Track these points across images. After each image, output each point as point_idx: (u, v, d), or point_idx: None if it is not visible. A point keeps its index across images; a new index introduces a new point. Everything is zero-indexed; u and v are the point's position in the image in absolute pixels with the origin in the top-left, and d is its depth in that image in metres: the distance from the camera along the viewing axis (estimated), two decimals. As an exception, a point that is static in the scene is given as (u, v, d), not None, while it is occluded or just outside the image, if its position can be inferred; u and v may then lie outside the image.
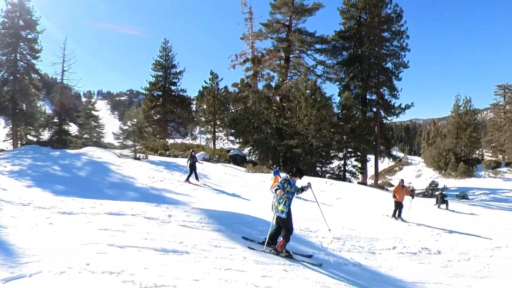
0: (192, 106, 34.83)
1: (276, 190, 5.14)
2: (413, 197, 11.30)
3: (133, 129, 21.05)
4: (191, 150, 17.00)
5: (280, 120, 23.18)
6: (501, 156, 40.85)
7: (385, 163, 38.19)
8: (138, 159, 18.42)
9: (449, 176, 33.48)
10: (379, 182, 26.47)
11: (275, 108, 24.28)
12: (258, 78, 24.53)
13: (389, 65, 26.95)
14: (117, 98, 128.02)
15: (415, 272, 5.99)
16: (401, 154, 48.96)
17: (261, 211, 10.01)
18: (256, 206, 11.18)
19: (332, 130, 21.79)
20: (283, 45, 27.70)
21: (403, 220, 10.55)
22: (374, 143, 25.08)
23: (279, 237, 5.43)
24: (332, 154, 23.18)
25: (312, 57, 28.30)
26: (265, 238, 5.57)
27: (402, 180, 11.55)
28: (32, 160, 15.93)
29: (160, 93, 43.32)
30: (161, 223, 6.13)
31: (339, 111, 23.15)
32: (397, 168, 41.82)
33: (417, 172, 38.45)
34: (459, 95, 38.62)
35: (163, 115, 42.36)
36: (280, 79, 27.14)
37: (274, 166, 16.66)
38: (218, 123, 25.75)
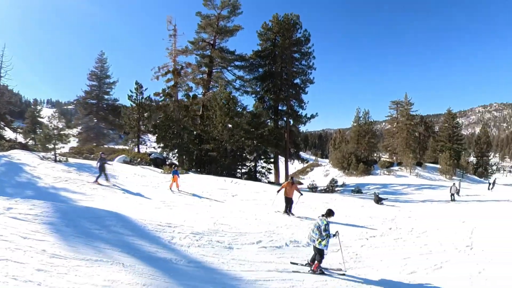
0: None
1: (333, 235, 5.87)
2: (301, 194, 11.08)
3: (53, 133, 20.53)
4: (100, 152, 17.20)
5: (200, 127, 24.48)
6: (394, 158, 47.32)
7: (300, 165, 41.83)
8: (59, 161, 18.05)
9: (351, 174, 37.75)
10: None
11: (193, 116, 25.47)
12: (178, 89, 25.51)
13: (298, 81, 30.00)
14: (65, 107, 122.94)
15: (260, 271, 5.61)
16: (313, 157, 53.81)
17: (146, 209, 9.84)
18: (150, 203, 11.18)
19: (248, 135, 23.52)
20: (205, 60, 29.27)
21: (293, 215, 10.42)
22: (285, 147, 27.66)
23: (315, 261, 5.98)
24: (247, 157, 24.85)
25: (232, 72, 30.34)
26: (307, 261, 6.25)
27: (292, 178, 11.69)
28: (-49, 161, 14.99)
29: (94, 101, 42.67)
30: (-9, 215, 5.93)
31: (251, 119, 24.94)
32: (309, 169, 45.71)
33: (325, 172, 42.43)
34: (359, 108, 44.12)
35: (97, 122, 41.62)
36: (203, 91, 28.61)
37: (173, 166, 17.54)
38: (142, 129, 26.06)
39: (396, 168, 41.41)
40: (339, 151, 40.27)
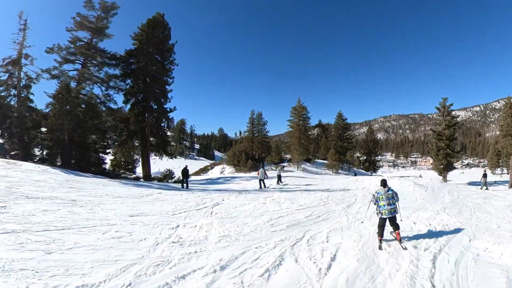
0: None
1: (397, 201, 5.82)
2: None
3: None
4: None
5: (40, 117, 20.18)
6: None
7: (203, 163, 38.83)
8: None
9: (241, 170, 35.32)
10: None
11: (28, 106, 20.87)
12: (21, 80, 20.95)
13: (164, 78, 26.93)
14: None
15: None
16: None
17: None
18: None
19: (85, 125, 19.51)
20: (72, 58, 25.06)
21: None
22: (146, 141, 24.13)
23: (395, 231, 5.73)
24: (90, 148, 20.51)
25: (104, 70, 26.32)
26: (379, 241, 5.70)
27: None
28: None
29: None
30: None
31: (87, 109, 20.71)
32: (210, 167, 42.67)
33: (222, 169, 39.66)
34: (254, 110, 42.46)
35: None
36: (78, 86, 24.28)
37: None
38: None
39: (285, 164, 40.19)
40: (231, 149, 37.82)
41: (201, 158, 78.30)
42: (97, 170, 20.18)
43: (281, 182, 18.44)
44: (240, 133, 52.13)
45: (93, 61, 26.69)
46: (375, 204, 5.92)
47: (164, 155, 25.56)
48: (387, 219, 5.70)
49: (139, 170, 36.46)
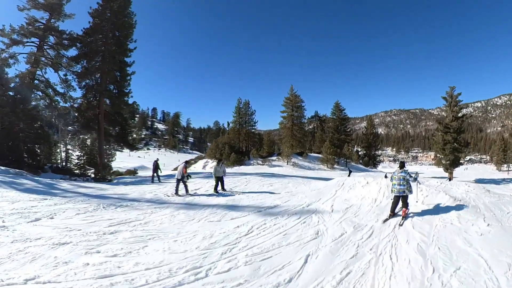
0: None
1: (414, 179, 6.27)
2: None
3: None
4: None
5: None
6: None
7: (188, 157, 34.46)
8: None
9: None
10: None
11: None
12: None
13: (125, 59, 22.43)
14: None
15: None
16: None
17: None
18: None
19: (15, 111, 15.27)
20: (23, 39, 20.83)
21: None
22: (99, 130, 19.76)
23: (402, 208, 6.10)
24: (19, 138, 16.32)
25: (61, 52, 21.96)
26: (389, 214, 6.19)
27: None
28: None
29: None
30: None
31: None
32: (193, 161, 38.36)
33: (205, 163, 35.22)
34: (241, 98, 37.62)
35: None
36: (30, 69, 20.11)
37: None
38: None
39: (274, 158, 35.67)
40: (215, 141, 33.34)
41: (195, 151, 74.22)
42: (32, 164, 16.06)
43: (224, 190, 10.38)
44: (228, 124, 47.44)
45: (49, 43, 22.63)
46: (391, 181, 6.42)
47: (124, 147, 21.25)
48: (400, 197, 6.11)
49: (117, 165, 32.27)
